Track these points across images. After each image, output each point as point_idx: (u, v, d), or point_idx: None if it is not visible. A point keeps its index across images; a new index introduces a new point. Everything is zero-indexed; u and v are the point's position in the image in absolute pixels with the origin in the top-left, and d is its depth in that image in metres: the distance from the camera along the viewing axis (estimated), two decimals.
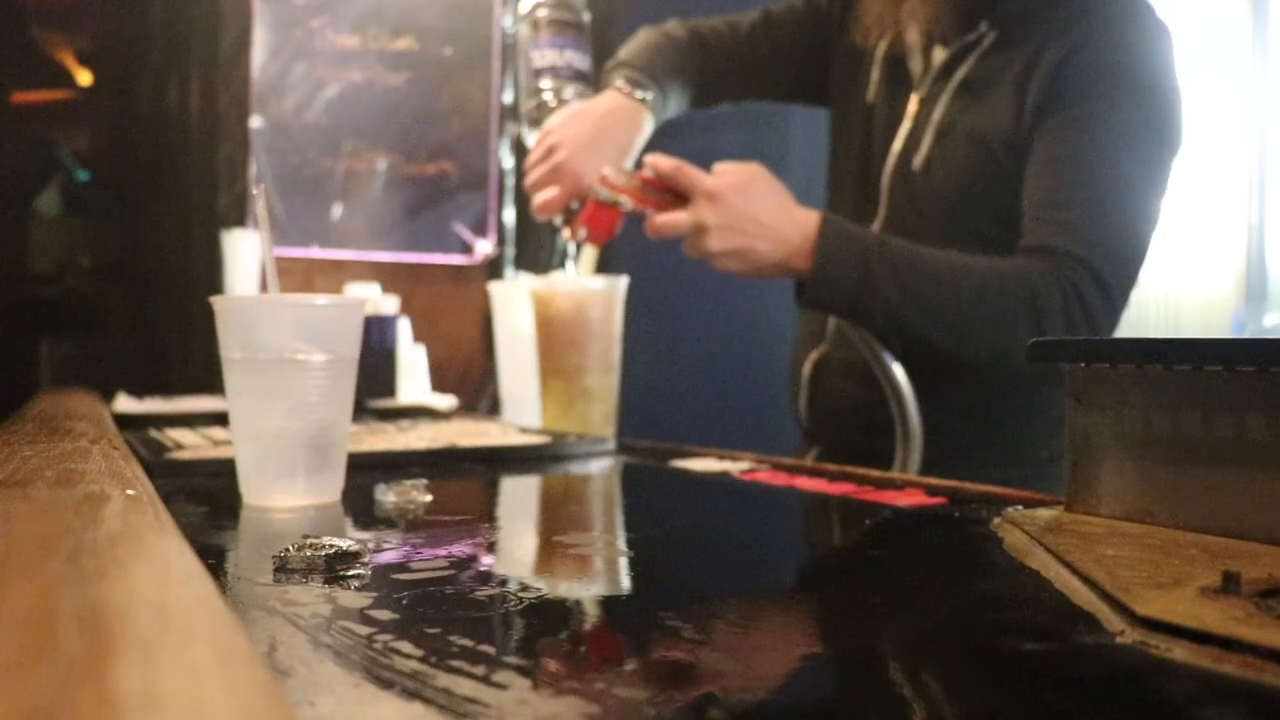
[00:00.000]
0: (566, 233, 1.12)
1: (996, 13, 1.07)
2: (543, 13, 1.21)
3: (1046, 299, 0.98)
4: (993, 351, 1.02)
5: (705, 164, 1.06)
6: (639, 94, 1.16)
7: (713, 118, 1.57)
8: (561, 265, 1.20)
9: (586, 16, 1.26)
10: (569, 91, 1.19)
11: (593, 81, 1.23)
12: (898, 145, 1.14)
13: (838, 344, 1.18)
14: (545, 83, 1.20)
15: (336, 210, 2.15)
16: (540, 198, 1.12)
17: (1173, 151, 1.04)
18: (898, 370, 1.06)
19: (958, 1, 1.07)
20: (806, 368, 1.21)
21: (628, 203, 1.04)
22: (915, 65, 1.15)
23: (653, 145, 1.18)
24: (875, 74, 1.19)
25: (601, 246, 1.10)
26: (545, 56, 1.20)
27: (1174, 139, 1.04)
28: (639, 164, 1.12)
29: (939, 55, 1.12)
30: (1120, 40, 1.02)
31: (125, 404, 1.34)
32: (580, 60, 1.21)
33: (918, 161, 1.11)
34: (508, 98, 2.31)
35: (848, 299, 1.01)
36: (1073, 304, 0.98)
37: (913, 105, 1.13)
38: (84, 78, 4.43)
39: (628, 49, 1.25)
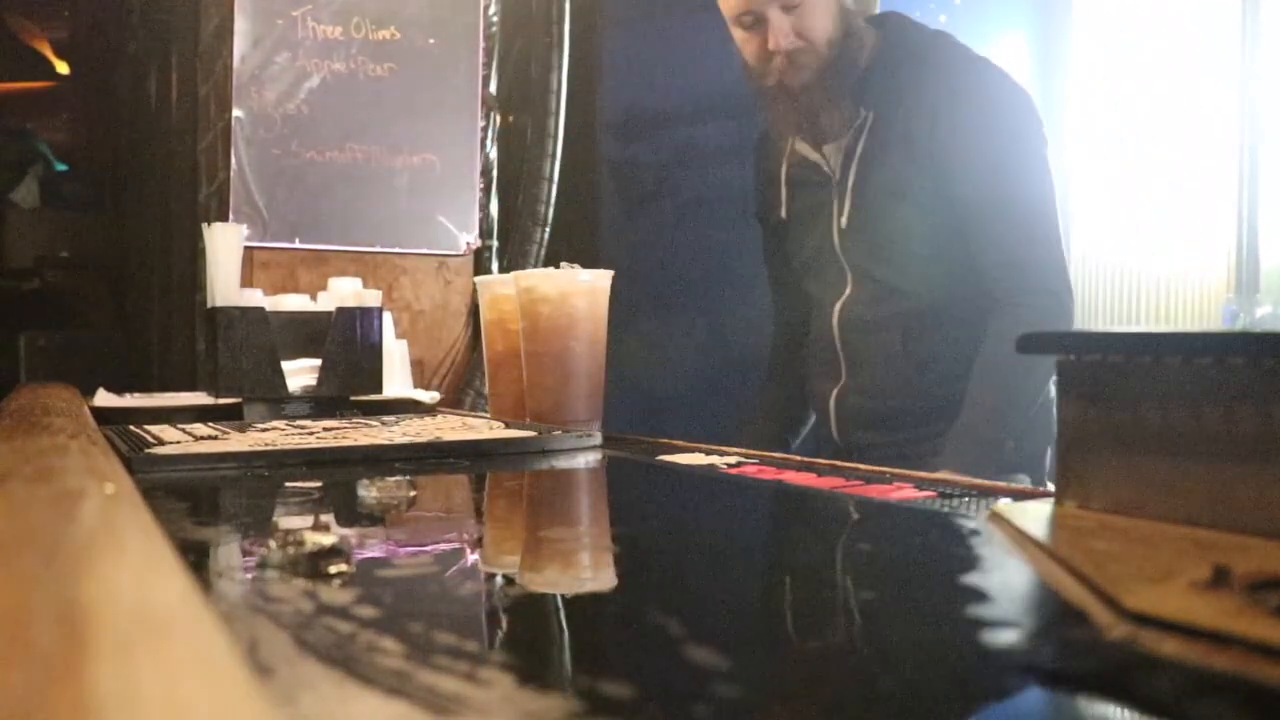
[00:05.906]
0: None
1: (868, 98, 1.25)
2: None
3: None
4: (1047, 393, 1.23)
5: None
6: None
7: (697, 109, 1.56)
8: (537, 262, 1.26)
9: None
10: None
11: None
12: (838, 220, 1.30)
13: (853, 375, 1.33)
14: None
15: (319, 203, 2.14)
16: None
17: (1045, 148, 1.26)
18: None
19: (836, 99, 1.25)
20: (831, 402, 1.35)
21: None
22: (817, 158, 1.31)
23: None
24: (784, 192, 1.35)
25: None
26: None
27: (1042, 142, 1.26)
28: None
29: (831, 149, 1.29)
30: (969, 88, 1.24)
31: (105, 399, 1.32)
32: None
33: (847, 222, 1.28)
34: (493, 88, 2.30)
35: (996, 449, 1.20)
36: (1049, 324, 1.18)
37: (833, 189, 1.30)
38: (61, 67, 4.38)
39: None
